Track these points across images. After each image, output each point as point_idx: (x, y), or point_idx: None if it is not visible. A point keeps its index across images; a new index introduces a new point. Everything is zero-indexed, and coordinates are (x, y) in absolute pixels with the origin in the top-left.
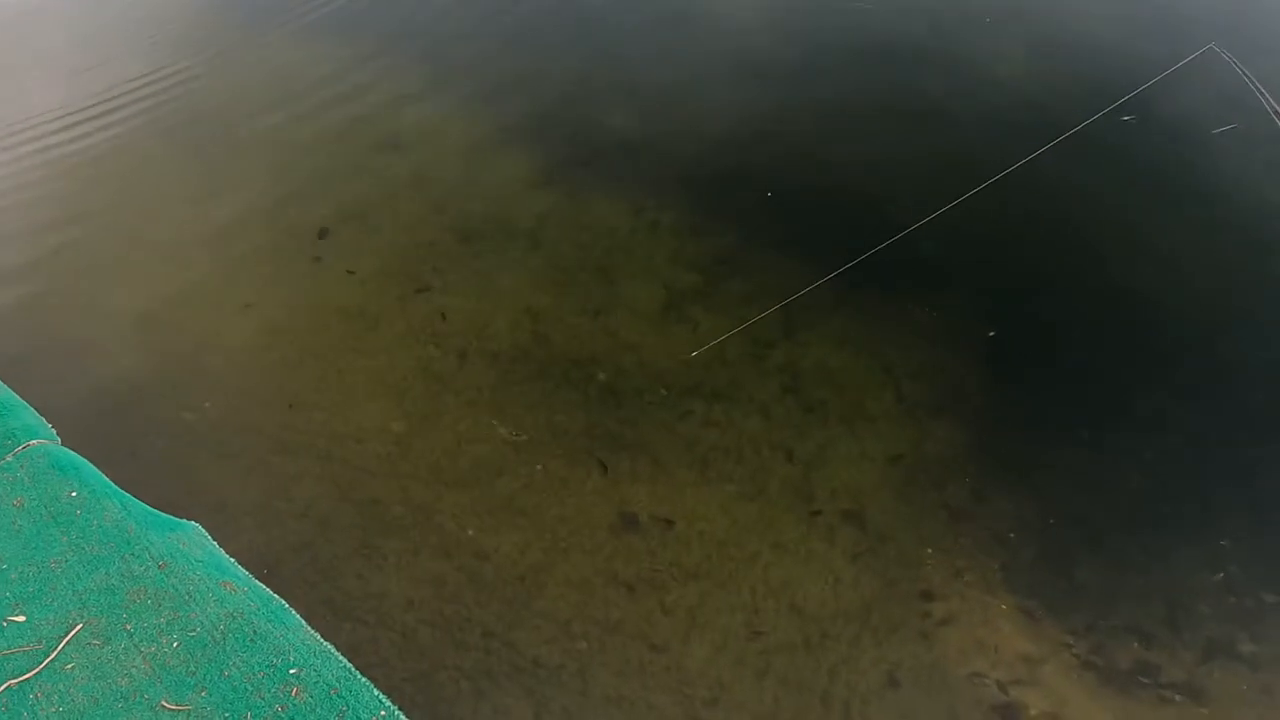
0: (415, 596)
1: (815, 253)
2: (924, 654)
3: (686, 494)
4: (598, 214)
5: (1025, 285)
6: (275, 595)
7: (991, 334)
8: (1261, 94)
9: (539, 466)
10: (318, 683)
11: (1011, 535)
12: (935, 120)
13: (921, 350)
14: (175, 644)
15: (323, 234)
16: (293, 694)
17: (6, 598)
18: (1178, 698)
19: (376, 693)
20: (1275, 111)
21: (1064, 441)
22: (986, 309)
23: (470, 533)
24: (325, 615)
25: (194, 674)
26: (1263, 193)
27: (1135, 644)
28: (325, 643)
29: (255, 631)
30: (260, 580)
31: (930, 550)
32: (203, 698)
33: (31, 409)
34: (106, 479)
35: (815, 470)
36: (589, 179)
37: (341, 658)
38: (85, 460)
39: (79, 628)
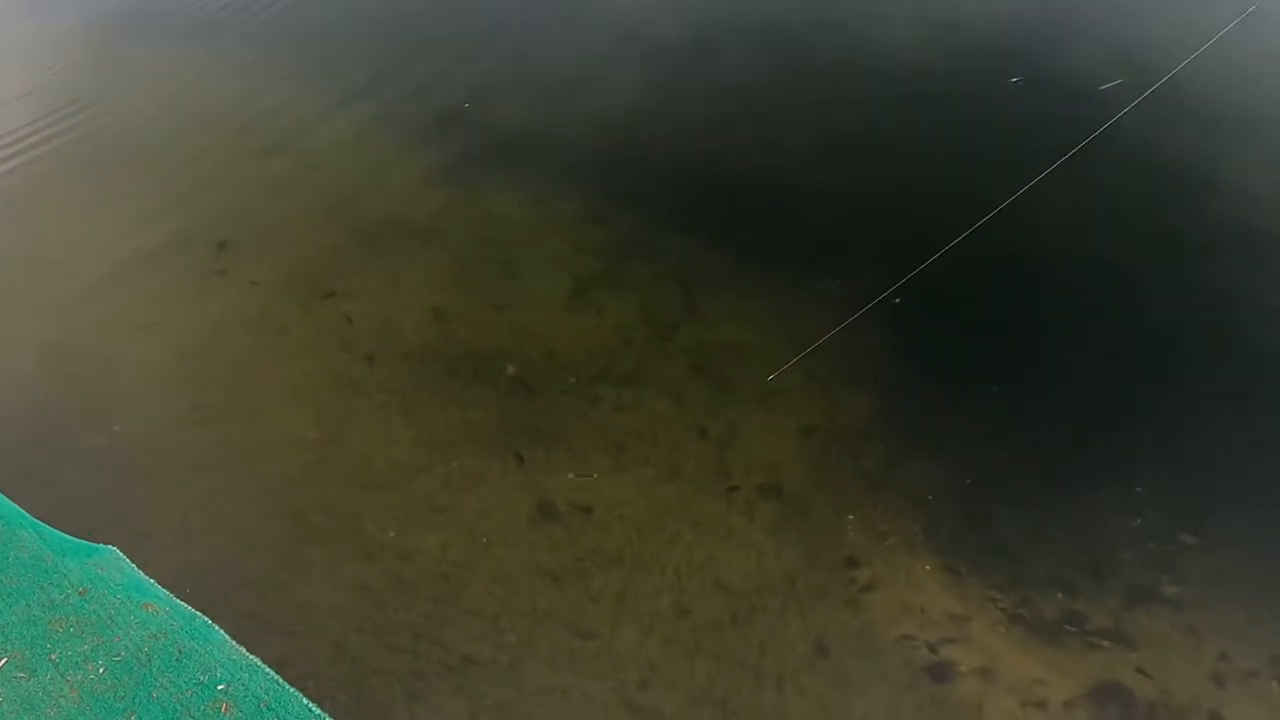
0: (341, 603)
1: (717, 230)
2: (852, 620)
3: (603, 480)
4: (497, 207)
5: (927, 250)
6: (198, 613)
7: (897, 301)
8: None
9: (455, 464)
10: (247, 697)
11: (930, 497)
12: (828, 94)
13: (827, 321)
14: (102, 670)
15: (223, 246)
16: (222, 710)
17: None
18: (1105, 644)
19: (306, 702)
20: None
21: (976, 401)
22: (890, 276)
23: (391, 535)
24: (252, 629)
25: (123, 699)
26: (1159, 147)
27: (1059, 595)
28: (252, 657)
29: (181, 651)
30: (183, 599)
31: (850, 517)
32: None
33: None
34: (20, 510)
35: (729, 447)
36: (486, 172)
37: (269, 670)
38: None
39: (3, 662)
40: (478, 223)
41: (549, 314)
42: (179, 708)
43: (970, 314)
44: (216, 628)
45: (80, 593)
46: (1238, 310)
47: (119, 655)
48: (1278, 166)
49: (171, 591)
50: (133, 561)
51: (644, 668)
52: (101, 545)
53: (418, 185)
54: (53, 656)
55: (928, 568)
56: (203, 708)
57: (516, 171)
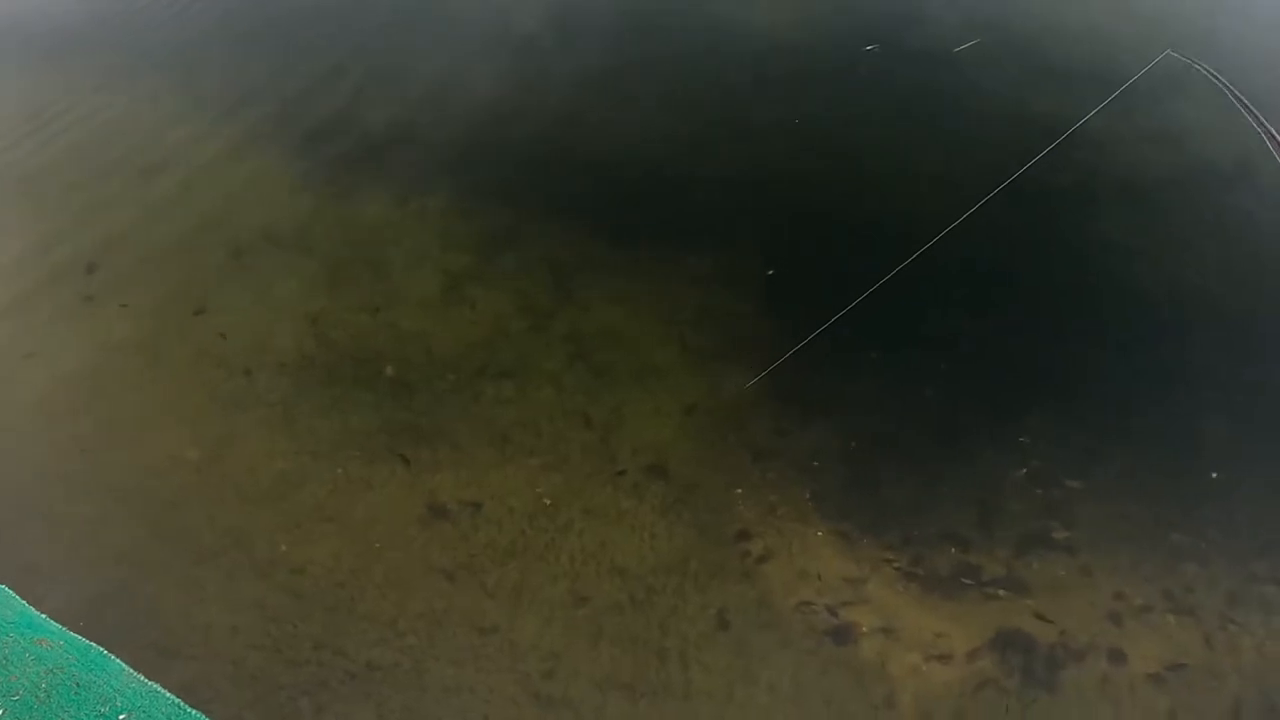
0: (239, 622)
1: (587, 217)
2: (749, 592)
3: (490, 474)
4: (364, 210)
5: (797, 219)
6: (93, 644)
7: (770, 273)
8: None
9: (340, 471)
10: None
11: (816, 464)
12: (691, 77)
13: (702, 298)
14: (1, 712)
15: (91, 269)
16: None
17: None
18: (1001, 593)
19: None
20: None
21: (856, 366)
22: (762, 249)
23: (283, 549)
24: (150, 656)
25: None
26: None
27: (952, 549)
28: (151, 683)
29: (78, 684)
30: (78, 631)
31: (739, 491)
32: None
33: None
34: None
35: (614, 432)
36: (355, 177)
37: (170, 695)
38: None
39: None
40: (347, 227)
41: (424, 313)
42: None
43: (846, 282)
44: (113, 657)
45: None
46: (1105, 257)
47: (16, 695)
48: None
49: (65, 625)
50: (23, 598)
51: (547, 658)
52: None
53: (288, 195)
54: None
55: (820, 534)
56: None
57: (385, 174)
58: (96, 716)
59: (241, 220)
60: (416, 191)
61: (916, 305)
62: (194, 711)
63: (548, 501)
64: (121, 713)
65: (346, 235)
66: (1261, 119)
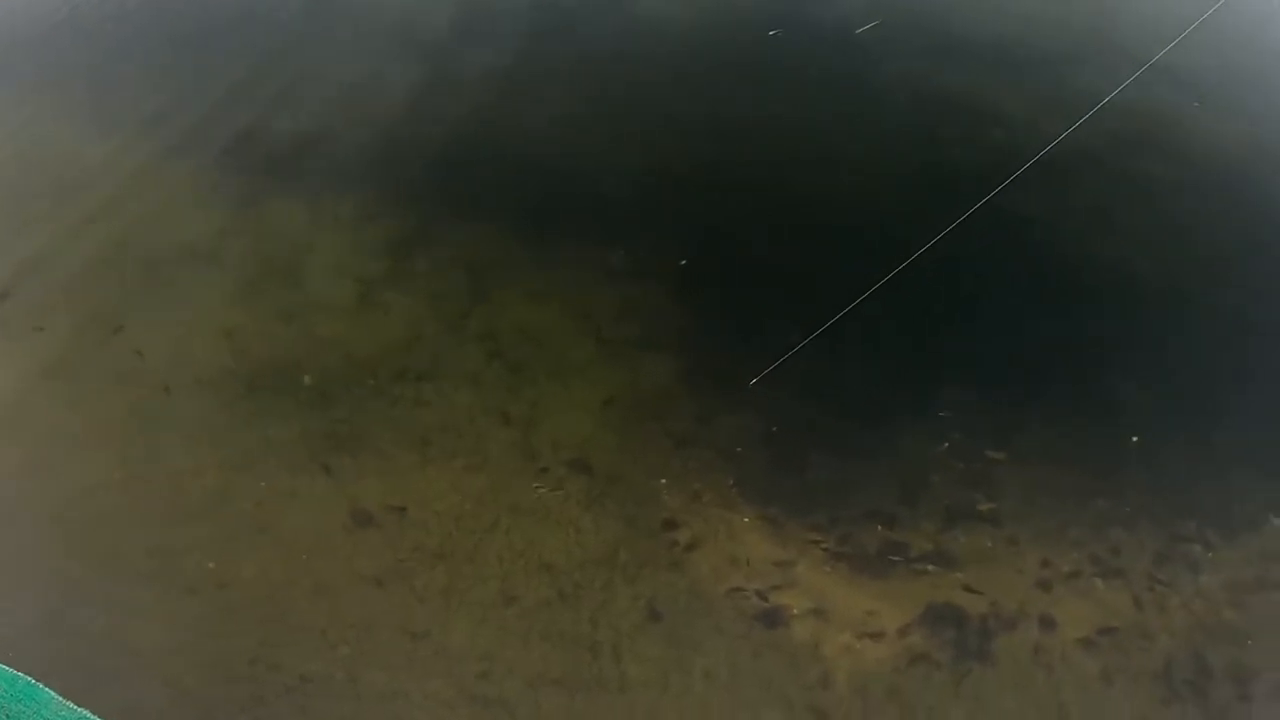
0: (173, 642)
1: (498, 215)
2: (679, 581)
3: (413, 478)
4: (276, 219)
5: (708, 208)
6: (21, 674)
7: (683, 262)
8: None
9: (264, 484)
10: None
11: (739, 449)
12: (602, 70)
13: (617, 291)
14: None
15: (4, 296)
16: None
17: None
18: (930, 568)
19: None
20: None
21: (775, 349)
22: (675, 239)
23: (211, 565)
24: (83, 683)
25: None
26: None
27: (878, 527)
28: (80, 710)
29: (8, 715)
30: (5, 663)
31: (663, 481)
32: None
33: None
34: None
35: (534, 428)
36: (266, 186)
37: None
38: None
39: None
40: (259, 237)
41: (339, 319)
42: None
43: (763, 265)
44: (42, 687)
45: None
46: (1018, 229)
47: None
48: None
49: None
50: None
51: (481, 659)
52: None
53: (203, 208)
54: None
55: (746, 519)
56: None
57: (299, 182)
58: None
59: (158, 237)
60: (329, 199)
61: (833, 287)
62: None
63: (472, 503)
64: None
65: (261, 246)
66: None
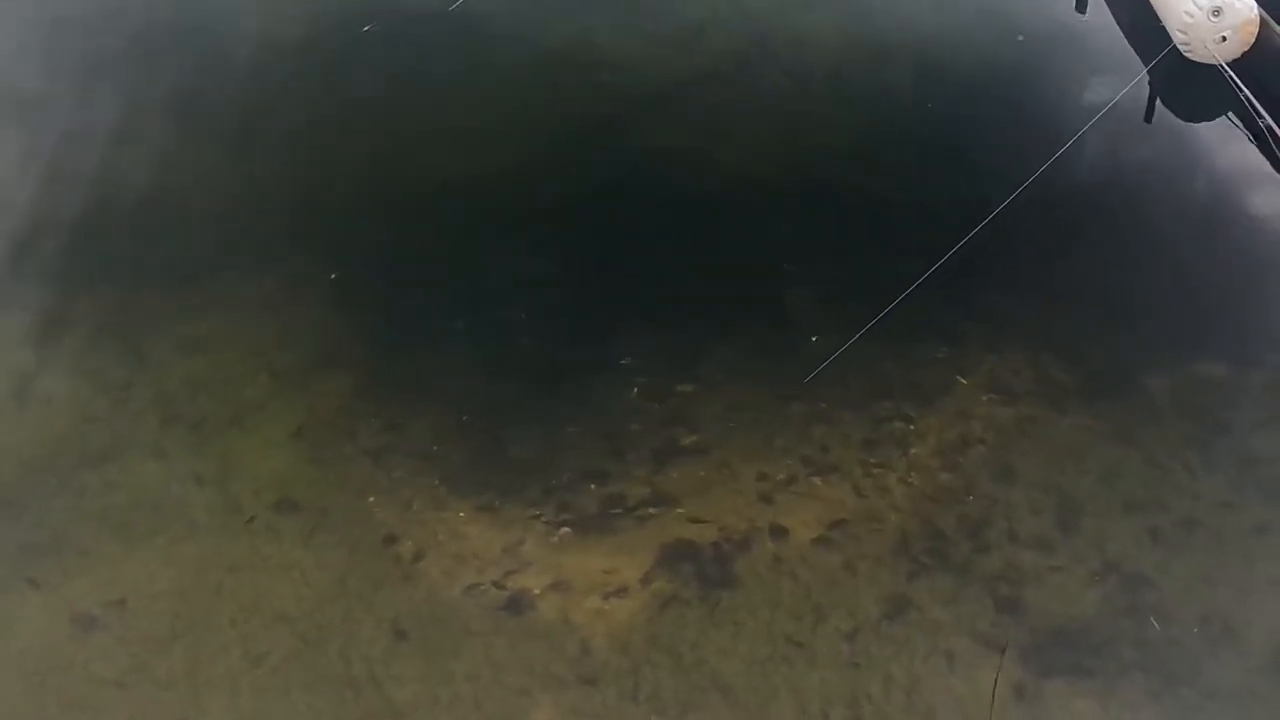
0: None
1: (129, 272)
2: (415, 594)
3: (124, 566)
4: None
5: (344, 217)
6: None
7: (334, 276)
8: None
9: None
10: None
11: (436, 448)
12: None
13: (275, 318)
14: None
15: None
16: None
17: None
18: (652, 511)
19: None
20: None
21: (445, 340)
22: (318, 254)
23: None
24: None
25: None
26: None
27: (592, 485)
28: None
29: None
30: None
31: (372, 498)
32: None
33: None
34: None
35: (230, 481)
36: None
37: None
38: None
39: None
40: None
41: (2, 423)
42: None
43: (405, 261)
44: None
45: None
46: (647, 162)
47: None
48: None
49: None
50: None
51: None
52: None
53: None
54: None
55: (462, 514)
56: None
57: None
58: None
59: None
60: None
61: (484, 265)
62: None
63: (190, 575)
64: None
65: None
66: None
